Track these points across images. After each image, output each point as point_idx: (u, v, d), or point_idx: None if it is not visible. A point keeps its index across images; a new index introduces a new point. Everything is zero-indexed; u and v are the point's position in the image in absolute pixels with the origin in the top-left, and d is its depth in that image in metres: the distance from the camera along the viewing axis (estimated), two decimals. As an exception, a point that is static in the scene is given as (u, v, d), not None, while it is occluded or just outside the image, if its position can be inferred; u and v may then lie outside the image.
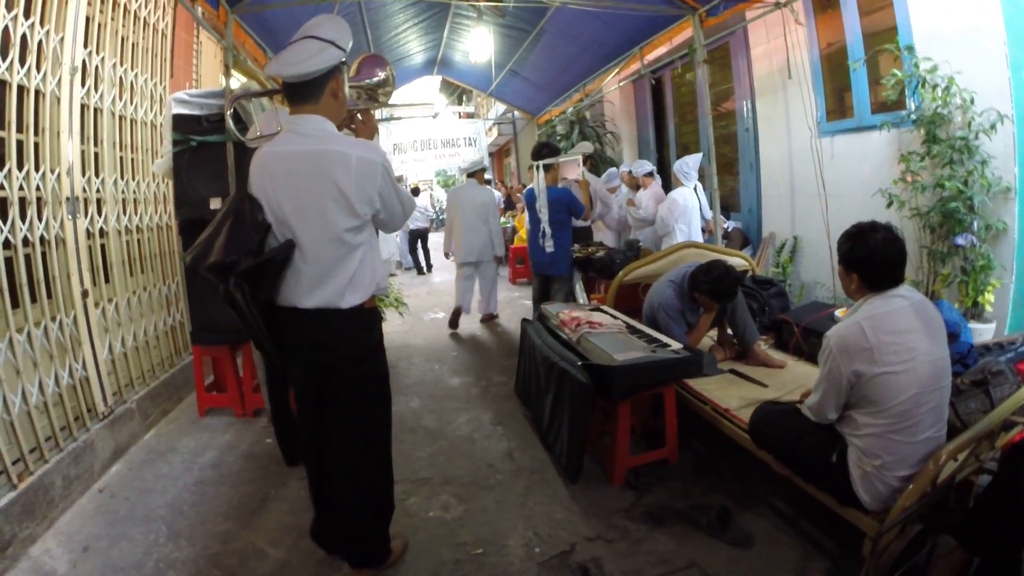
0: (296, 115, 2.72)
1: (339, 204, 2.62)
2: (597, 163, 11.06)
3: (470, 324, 9.08)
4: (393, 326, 8.55)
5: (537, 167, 6.72)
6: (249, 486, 4.21)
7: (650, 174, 8.18)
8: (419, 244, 15.00)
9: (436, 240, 18.02)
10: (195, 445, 4.91)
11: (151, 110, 5.87)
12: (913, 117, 5.21)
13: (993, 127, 4.67)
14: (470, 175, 9.04)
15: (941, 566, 2.80)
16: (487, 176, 14.70)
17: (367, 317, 2.86)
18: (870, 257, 2.86)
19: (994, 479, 2.77)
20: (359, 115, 3.08)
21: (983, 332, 4.75)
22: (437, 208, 31.50)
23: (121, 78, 5.27)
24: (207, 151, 4.98)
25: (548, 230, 6.63)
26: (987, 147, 4.77)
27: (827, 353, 2.89)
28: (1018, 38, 4.61)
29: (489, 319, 9.06)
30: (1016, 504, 2.20)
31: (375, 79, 3.13)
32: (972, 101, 4.82)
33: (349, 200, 2.61)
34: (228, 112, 3.10)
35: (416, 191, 16.58)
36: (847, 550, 3.12)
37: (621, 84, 10.73)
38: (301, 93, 2.68)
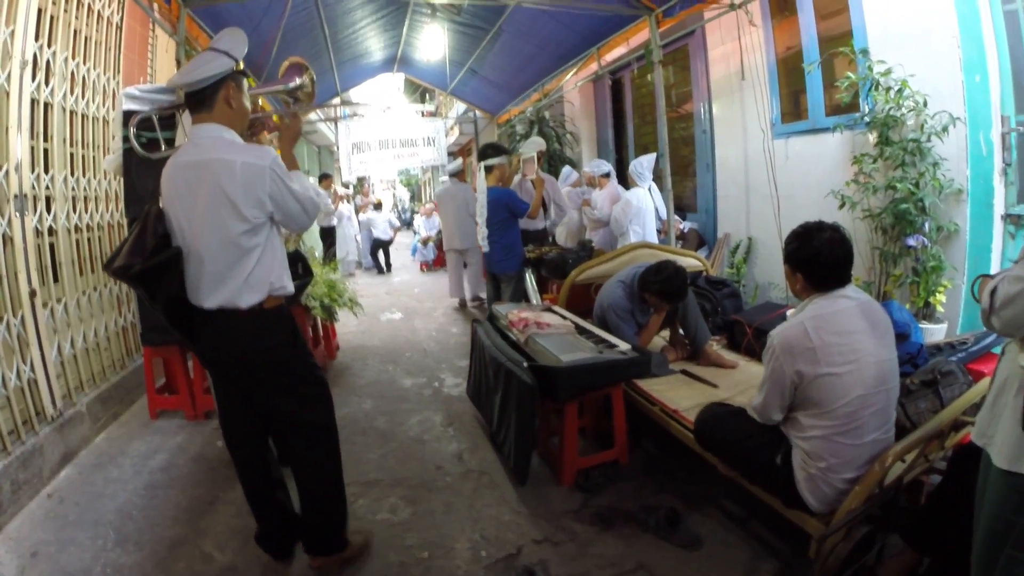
0: (196, 125, 2.84)
1: (228, 210, 2.70)
2: (557, 162, 11.05)
3: (425, 323, 9.09)
4: (349, 327, 8.50)
5: (480, 168, 6.75)
6: (199, 489, 4.14)
7: (606, 175, 8.15)
8: (380, 249, 15.14)
9: (401, 241, 18.05)
10: (146, 448, 4.79)
11: (103, 105, 5.71)
12: (867, 119, 5.22)
13: (945, 129, 4.69)
14: (452, 175, 9.75)
15: (890, 566, 2.80)
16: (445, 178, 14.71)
17: (267, 317, 2.91)
18: (816, 257, 2.83)
19: (943, 479, 2.75)
20: (286, 119, 3.23)
21: (934, 332, 4.77)
22: (400, 207, 31.54)
23: (73, 72, 5.13)
24: (157, 148, 4.82)
25: (485, 230, 6.63)
26: (939, 149, 4.80)
27: (771, 353, 2.86)
28: (971, 40, 4.64)
29: (476, 300, 9.62)
30: (965, 504, 2.18)
31: (291, 84, 3.27)
32: (925, 103, 4.84)
33: (236, 205, 2.69)
34: (132, 131, 3.25)
35: (379, 206, 16.64)
36: (798, 551, 3.08)
37: (579, 84, 10.73)
38: (195, 102, 2.81)
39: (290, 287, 3.01)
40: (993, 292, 1.88)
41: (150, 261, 2.69)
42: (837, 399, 2.68)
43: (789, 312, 4.40)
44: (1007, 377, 1.95)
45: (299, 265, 5.17)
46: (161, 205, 2.86)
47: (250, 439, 3.12)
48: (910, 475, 2.89)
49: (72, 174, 5.15)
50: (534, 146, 7.82)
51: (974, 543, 2.06)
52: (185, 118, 3.83)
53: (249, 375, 2.93)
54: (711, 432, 3.33)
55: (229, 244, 2.73)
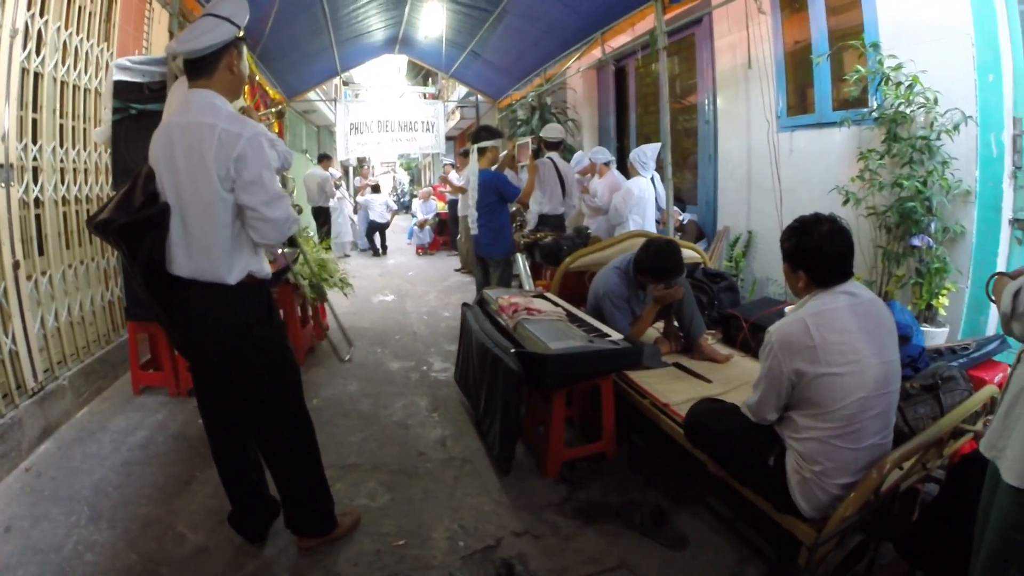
0: (192, 89, 2.81)
1: (204, 172, 2.64)
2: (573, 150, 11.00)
3: (417, 306, 9.07)
4: (340, 308, 8.34)
5: (471, 150, 6.69)
6: (176, 467, 4.11)
7: (607, 163, 8.04)
8: (376, 231, 15.10)
9: (399, 224, 18.06)
10: (126, 424, 4.77)
11: (96, 77, 5.69)
12: (875, 115, 5.12)
13: (956, 128, 4.59)
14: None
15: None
16: (450, 160, 14.61)
17: (245, 291, 2.86)
18: (818, 252, 2.70)
19: (941, 491, 2.65)
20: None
21: (936, 336, 4.69)
22: (399, 191, 31.54)
23: (65, 43, 5.11)
24: (147, 120, 4.79)
25: (474, 212, 6.60)
26: (948, 148, 4.70)
27: (768, 349, 2.73)
28: (987, 39, 4.53)
29: None
30: (963, 518, 2.07)
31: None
32: (936, 101, 4.73)
33: (210, 168, 2.63)
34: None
35: (377, 188, 16.54)
36: (786, 555, 3.00)
37: (582, 70, 10.62)
38: (196, 68, 2.79)
39: (266, 270, 2.97)
40: (1017, 295, 1.76)
41: (136, 215, 2.65)
42: (837, 400, 2.55)
43: (787, 308, 4.30)
44: (1022, 388, 1.83)
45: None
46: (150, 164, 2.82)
47: (224, 418, 3.07)
48: (907, 483, 2.79)
49: (61, 145, 5.16)
50: (555, 131, 7.95)
51: (974, 560, 1.96)
52: (176, 87, 3.84)
53: (221, 351, 2.88)
54: (702, 429, 3.21)
55: (207, 211, 2.68)
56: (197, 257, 2.73)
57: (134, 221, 2.64)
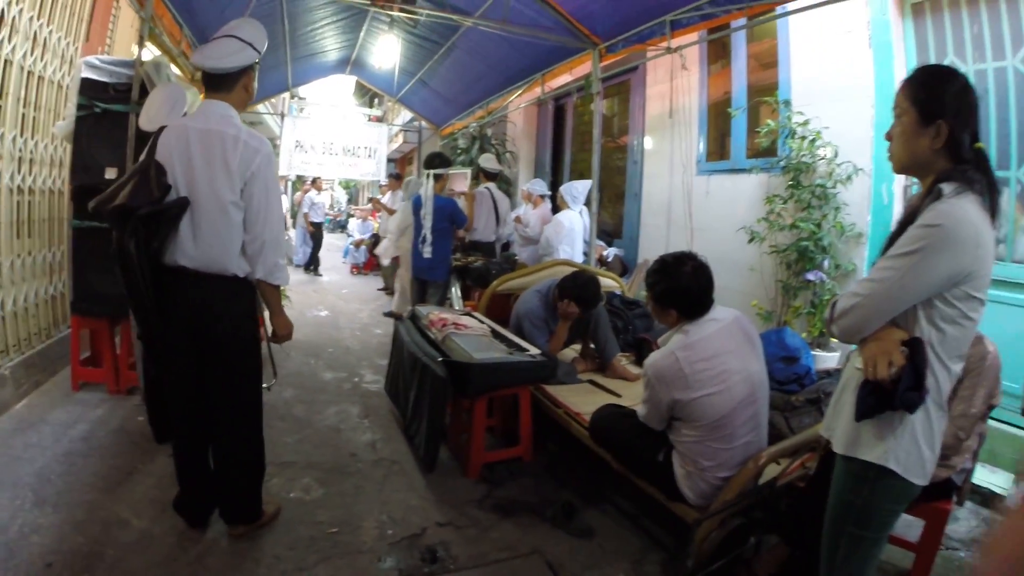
0: (208, 99, 3.11)
1: (226, 177, 2.94)
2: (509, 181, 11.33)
3: (350, 322, 9.22)
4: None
5: (427, 175, 6.88)
6: (117, 460, 4.16)
7: (543, 195, 8.41)
8: (314, 237, 14.72)
9: (330, 241, 17.89)
10: (66, 418, 4.77)
11: (60, 69, 5.71)
12: (782, 164, 5.64)
13: (849, 178, 5.13)
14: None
15: (766, 559, 3.04)
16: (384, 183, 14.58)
17: (243, 284, 3.12)
18: (686, 291, 3.07)
19: (811, 477, 2.98)
20: None
21: (828, 359, 5.17)
22: (336, 208, 31.20)
23: (36, 32, 5.13)
24: (110, 119, 4.90)
25: (429, 236, 6.80)
26: (844, 196, 5.23)
27: (647, 380, 3.11)
28: (886, 101, 5.03)
29: None
30: (825, 499, 2.42)
31: None
32: (836, 154, 5.27)
33: (232, 175, 2.94)
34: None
35: (315, 182, 16.49)
36: (683, 545, 3.34)
37: (523, 106, 10.96)
38: (216, 83, 3.09)
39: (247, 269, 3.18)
40: (834, 305, 2.17)
41: (159, 205, 2.84)
42: (709, 416, 2.94)
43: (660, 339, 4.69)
44: (848, 378, 2.22)
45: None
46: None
47: (193, 406, 3.21)
48: (787, 479, 3.12)
49: (21, 135, 5.12)
50: (493, 162, 8.38)
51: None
52: (158, 95, 4.19)
53: (213, 335, 3.07)
54: (603, 430, 3.59)
55: (220, 210, 2.95)
56: (207, 249, 2.96)
57: (157, 211, 2.82)
